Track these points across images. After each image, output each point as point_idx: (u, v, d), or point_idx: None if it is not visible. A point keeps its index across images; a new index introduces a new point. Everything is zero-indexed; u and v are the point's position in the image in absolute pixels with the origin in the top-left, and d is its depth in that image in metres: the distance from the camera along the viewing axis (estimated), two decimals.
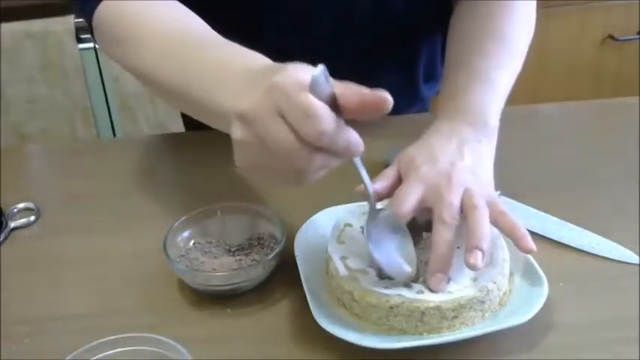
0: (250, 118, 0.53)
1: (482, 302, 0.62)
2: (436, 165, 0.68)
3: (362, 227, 0.69)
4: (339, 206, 0.76)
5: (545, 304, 0.62)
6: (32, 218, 0.82)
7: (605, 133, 0.96)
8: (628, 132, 0.94)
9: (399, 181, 0.69)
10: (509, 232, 0.65)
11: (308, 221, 0.74)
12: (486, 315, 0.63)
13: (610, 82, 1.94)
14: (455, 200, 0.65)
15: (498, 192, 0.80)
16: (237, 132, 0.55)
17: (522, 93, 2.10)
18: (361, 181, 0.63)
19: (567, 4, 1.81)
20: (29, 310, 0.70)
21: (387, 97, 0.53)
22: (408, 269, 0.64)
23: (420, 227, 0.69)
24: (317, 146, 0.52)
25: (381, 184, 0.68)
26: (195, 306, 0.69)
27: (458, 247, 0.67)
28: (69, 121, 1.86)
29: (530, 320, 0.61)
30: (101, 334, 0.58)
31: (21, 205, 0.84)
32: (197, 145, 0.95)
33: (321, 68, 0.52)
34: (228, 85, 0.59)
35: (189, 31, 0.70)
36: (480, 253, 0.61)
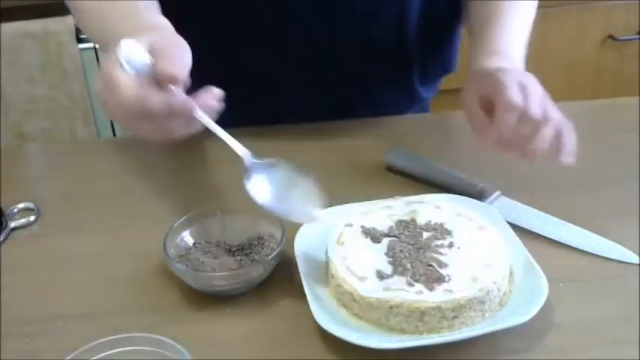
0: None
1: (482, 302, 0.62)
2: (514, 72, 0.76)
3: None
4: (339, 206, 0.76)
5: (545, 304, 0.62)
6: (32, 218, 0.82)
7: (605, 133, 0.96)
8: (628, 132, 0.94)
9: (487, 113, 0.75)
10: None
11: None
12: (486, 315, 0.63)
13: (610, 82, 1.94)
14: (540, 94, 0.74)
15: (498, 192, 0.80)
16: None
17: None
18: (218, 138, 0.67)
19: (567, 4, 1.81)
20: (29, 310, 0.70)
21: (168, 72, 0.62)
22: (316, 212, 0.67)
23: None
24: (133, 113, 0.62)
25: (481, 126, 0.76)
26: (195, 306, 0.69)
27: (458, 248, 0.67)
28: (69, 121, 1.86)
29: (530, 320, 0.61)
30: (101, 334, 0.58)
31: (21, 205, 0.84)
32: (197, 145, 0.95)
33: (125, 47, 0.62)
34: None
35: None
36: (572, 156, 0.73)
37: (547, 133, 0.72)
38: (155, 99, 0.62)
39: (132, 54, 0.63)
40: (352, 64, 0.96)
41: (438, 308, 0.61)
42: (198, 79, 0.66)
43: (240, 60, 0.95)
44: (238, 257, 0.71)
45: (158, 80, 0.63)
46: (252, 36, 0.92)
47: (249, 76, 0.95)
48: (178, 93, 0.64)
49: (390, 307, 0.62)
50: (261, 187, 0.67)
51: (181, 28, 0.71)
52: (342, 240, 0.69)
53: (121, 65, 0.62)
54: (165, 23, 0.72)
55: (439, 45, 1.02)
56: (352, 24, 0.94)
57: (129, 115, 0.63)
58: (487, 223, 0.71)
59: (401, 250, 0.67)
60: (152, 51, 0.64)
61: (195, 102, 0.64)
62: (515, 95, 0.71)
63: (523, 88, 0.72)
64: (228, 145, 0.67)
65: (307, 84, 0.95)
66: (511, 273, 0.67)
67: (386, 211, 0.73)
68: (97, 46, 1.76)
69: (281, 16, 0.92)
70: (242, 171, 0.66)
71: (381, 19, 0.94)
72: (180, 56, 0.65)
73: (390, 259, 0.66)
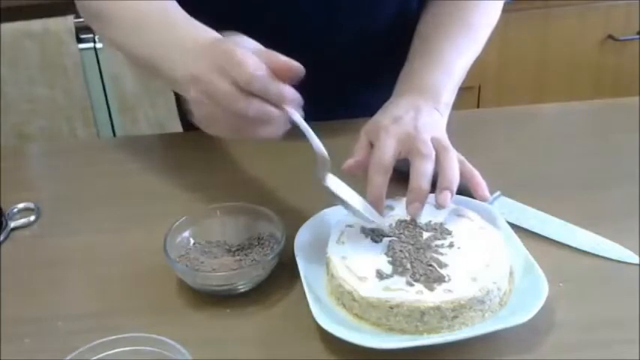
0: (199, 77, 0.64)
1: (482, 302, 0.62)
2: (401, 122, 0.76)
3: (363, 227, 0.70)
4: (339, 206, 0.76)
5: (545, 304, 0.62)
6: (32, 218, 0.82)
7: (605, 133, 0.96)
8: (628, 132, 0.94)
9: (371, 148, 0.75)
10: (469, 179, 0.74)
11: (308, 221, 0.74)
12: (486, 315, 0.63)
13: (610, 82, 1.94)
14: (427, 139, 0.73)
15: (498, 192, 0.80)
16: (190, 92, 0.66)
17: (523, 93, 2.11)
18: (309, 140, 0.67)
19: (567, 4, 1.81)
20: (29, 310, 0.70)
21: (294, 65, 0.64)
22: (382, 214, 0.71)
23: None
24: (250, 90, 0.62)
25: (358, 154, 0.76)
26: (195, 306, 0.69)
27: (459, 248, 0.67)
28: (69, 121, 1.86)
29: (530, 320, 0.61)
30: (101, 334, 0.58)
31: (21, 205, 0.84)
32: (197, 145, 0.95)
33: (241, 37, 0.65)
34: (183, 57, 0.68)
35: (156, 8, 0.78)
36: (449, 194, 0.70)
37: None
38: (277, 85, 0.63)
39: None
40: (354, 64, 0.96)
41: (438, 308, 0.61)
42: None
43: None
44: (238, 257, 0.71)
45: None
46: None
47: None
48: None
49: (390, 307, 0.62)
50: (338, 186, 0.69)
51: None
52: (342, 240, 0.69)
53: (239, 45, 0.63)
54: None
55: None
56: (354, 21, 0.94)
57: (247, 90, 0.62)
58: (487, 223, 0.71)
59: (401, 250, 0.67)
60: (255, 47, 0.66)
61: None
62: (381, 156, 0.72)
63: (410, 151, 0.72)
64: (310, 142, 0.67)
65: (309, 84, 0.95)
66: (511, 273, 0.67)
67: (386, 211, 0.73)
68: (98, 45, 1.77)
69: (282, 19, 0.92)
70: (317, 170, 0.67)
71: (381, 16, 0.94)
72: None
73: (390, 259, 0.66)
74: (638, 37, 1.86)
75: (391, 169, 0.72)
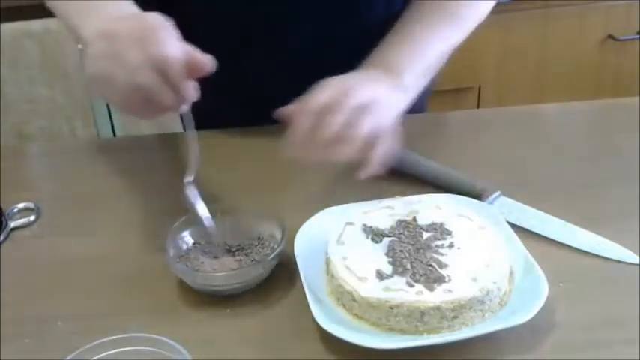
0: (113, 35, 0.64)
1: (482, 302, 0.62)
2: (345, 82, 0.72)
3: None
4: (339, 206, 0.76)
5: (545, 304, 0.62)
6: (32, 218, 0.82)
7: (605, 133, 0.96)
8: (628, 132, 0.94)
9: None
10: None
11: (308, 221, 0.74)
12: (486, 315, 0.63)
13: (610, 82, 1.94)
14: (353, 101, 0.68)
15: (498, 192, 0.80)
16: (95, 45, 0.65)
17: (523, 93, 2.11)
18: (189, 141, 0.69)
19: (567, 4, 1.81)
20: (29, 310, 0.70)
21: (207, 64, 0.64)
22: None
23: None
24: (160, 67, 0.62)
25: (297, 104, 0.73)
26: (195, 306, 0.69)
27: (459, 248, 0.67)
28: (69, 121, 1.86)
29: (530, 320, 0.61)
30: (101, 334, 0.58)
31: (21, 205, 0.84)
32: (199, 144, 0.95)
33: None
34: (98, 18, 0.69)
35: None
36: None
37: (348, 144, 0.68)
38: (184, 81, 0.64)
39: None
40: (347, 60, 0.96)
41: (438, 308, 0.61)
42: None
43: (240, 71, 0.95)
44: (238, 257, 0.72)
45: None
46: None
47: (247, 86, 0.95)
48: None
49: (390, 307, 0.62)
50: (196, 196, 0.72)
51: None
52: (343, 240, 0.69)
53: (166, 29, 0.64)
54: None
55: None
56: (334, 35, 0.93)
57: (156, 68, 0.62)
58: (487, 223, 0.71)
59: (401, 250, 0.67)
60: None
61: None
62: (314, 101, 0.69)
63: (340, 96, 0.69)
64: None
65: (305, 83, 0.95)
66: (511, 273, 0.67)
67: (386, 211, 0.73)
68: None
69: (271, 20, 0.92)
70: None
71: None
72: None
73: (390, 259, 0.66)
74: (638, 37, 1.86)
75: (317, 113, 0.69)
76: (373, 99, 0.71)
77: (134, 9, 0.72)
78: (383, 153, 0.70)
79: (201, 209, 0.72)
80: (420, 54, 0.81)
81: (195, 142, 0.70)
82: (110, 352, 0.57)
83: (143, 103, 0.64)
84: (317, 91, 0.71)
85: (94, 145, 1.17)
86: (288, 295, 0.69)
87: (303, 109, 0.69)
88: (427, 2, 0.87)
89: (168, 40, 0.63)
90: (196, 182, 0.71)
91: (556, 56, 1.88)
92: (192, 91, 0.65)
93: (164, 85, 0.63)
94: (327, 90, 0.70)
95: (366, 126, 0.68)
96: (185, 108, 0.66)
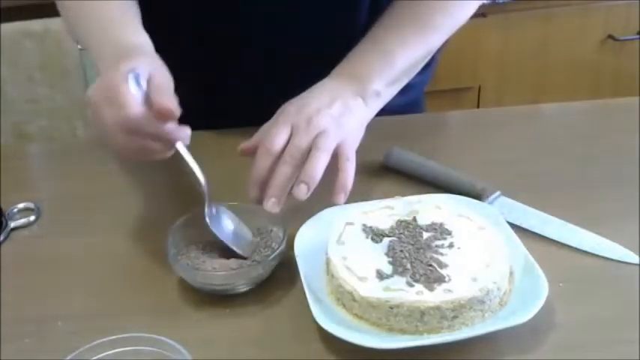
0: (91, 101, 0.68)
1: (482, 302, 0.62)
2: (304, 109, 0.75)
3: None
4: (339, 206, 0.76)
5: (545, 304, 0.62)
6: (32, 218, 0.82)
7: (605, 133, 0.96)
8: (628, 132, 0.94)
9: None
10: (336, 181, 0.71)
11: (308, 221, 0.74)
12: (486, 315, 0.63)
13: (610, 82, 1.94)
14: (303, 142, 0.72)
15: (498, 192, 0.80)
16: (87, 111, 0.69)
17: (523, 93, 2.11)
18: (190, 170, 0.70)
19: (567, 4, 1.81)
20: (29, 310, 0.70)
21: (169, 110, 0.65)
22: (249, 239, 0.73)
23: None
24: (128, 129, 0.65)
25: (255, 138, 0.76)
26: (195, 306, 0.69)
27: (459, 248, 0.67)
28: (69, 120, 1.86)
29: (530, 320, 0.61)
30: (101, 334, 0.58)
31: (21, 205, 0.84)
32: (197, 144, 0.95)
33: (132, 74, 0.66)
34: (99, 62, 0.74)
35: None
36: (304, 186, 0.69)
37: (308, 173, 0.70)
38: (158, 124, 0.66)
39: (139, 77, 0.67)
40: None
41: (438, 308, 0.61)
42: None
43: (229, 72, 0.95)
44: (238, 257, 0.71)
45: (151, 109, 0.66)
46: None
47: (237, 86, 0.95)
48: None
49: (390, 307, 0.62)
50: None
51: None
52: (343, 240, 0.69)
53: (131, 83, 0.66)
54: (148, 44, 0.75)
55: None
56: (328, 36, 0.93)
57: (126, 130, 0.66)
58: (487, 223, 0.71)
59: (401, 250, 0.67)
60: (150, 80, 0.67)
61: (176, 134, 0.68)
62: (270, 141, 0.73)
63: (300, 126, 0.73)
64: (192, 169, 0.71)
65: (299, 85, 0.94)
66: (511, 273, 0.67)
67: (386, 211, 0.73)
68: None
69: (267, 21, 0.92)
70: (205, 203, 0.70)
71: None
72: (171, 92, 0.68)
73: (390, 259, 0.66)
74: (638, 37, 1.86)
75: (279, 155, 0.72)
76: (334, 121, 0.74)
77: (137, 37, 0.75)
78: (351, 170, 0.72)
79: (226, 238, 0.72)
80: (389, 64, 0.82)
81: (200, 173, 0.71)
82: (110, 352, 0.57)
83: (139, 152, 0.68)
84: (276, 121, 0.74)
85: (94, 145, 1.17)
86: (288, 295, 0.69)
87: (261, 147, 0.73)
88: (400, 11, 0.87)
89: (126, 99, 0.64)
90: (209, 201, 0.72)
91: (556, 56, 1.88)
92: (177, 133, 0.67)
93: (143, 139, 0.66)
94: (287, 120, 0.74)
95: (326, 156, 0.71)
96: (180, 145, 0.69)
